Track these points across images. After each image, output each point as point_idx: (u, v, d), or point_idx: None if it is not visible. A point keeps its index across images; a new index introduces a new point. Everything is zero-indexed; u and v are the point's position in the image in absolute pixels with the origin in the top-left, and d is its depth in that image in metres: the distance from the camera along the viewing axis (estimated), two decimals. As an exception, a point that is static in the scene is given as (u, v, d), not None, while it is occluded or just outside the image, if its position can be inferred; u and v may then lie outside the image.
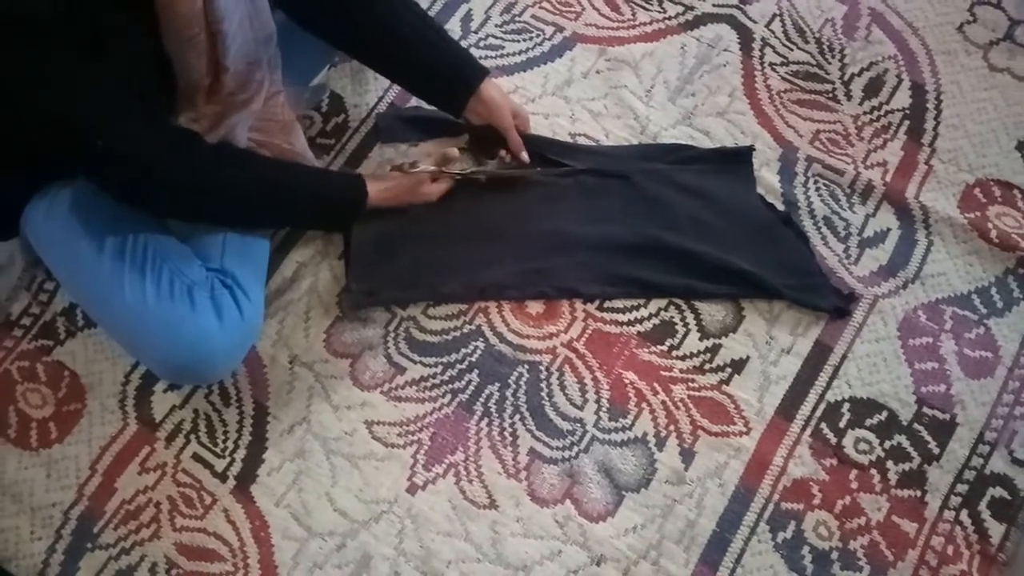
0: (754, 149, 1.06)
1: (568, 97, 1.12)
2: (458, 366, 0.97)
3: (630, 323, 0.99)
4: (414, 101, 1.11)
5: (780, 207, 1.05)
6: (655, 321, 0.99)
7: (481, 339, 0.98)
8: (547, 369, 0.97)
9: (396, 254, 1.00)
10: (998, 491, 0.90)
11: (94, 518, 0.92)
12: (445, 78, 0.97)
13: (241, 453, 0.94)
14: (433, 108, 1.06)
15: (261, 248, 0.97)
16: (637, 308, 1.00)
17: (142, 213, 0.88)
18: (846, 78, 1.12)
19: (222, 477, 0.94)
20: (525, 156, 1.02)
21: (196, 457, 0.95)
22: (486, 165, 1.04)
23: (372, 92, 1.13)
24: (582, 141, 1.09)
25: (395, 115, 1.11)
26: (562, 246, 1.01)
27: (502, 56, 1.14)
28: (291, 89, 0.99)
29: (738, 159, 1.07)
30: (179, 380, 0.94)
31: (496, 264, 1.00)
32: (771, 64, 1.14)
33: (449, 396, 0.96)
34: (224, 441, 0.95)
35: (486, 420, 0.95)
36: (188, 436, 0.96)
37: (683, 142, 1.09)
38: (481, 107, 0.98)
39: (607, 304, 1.00)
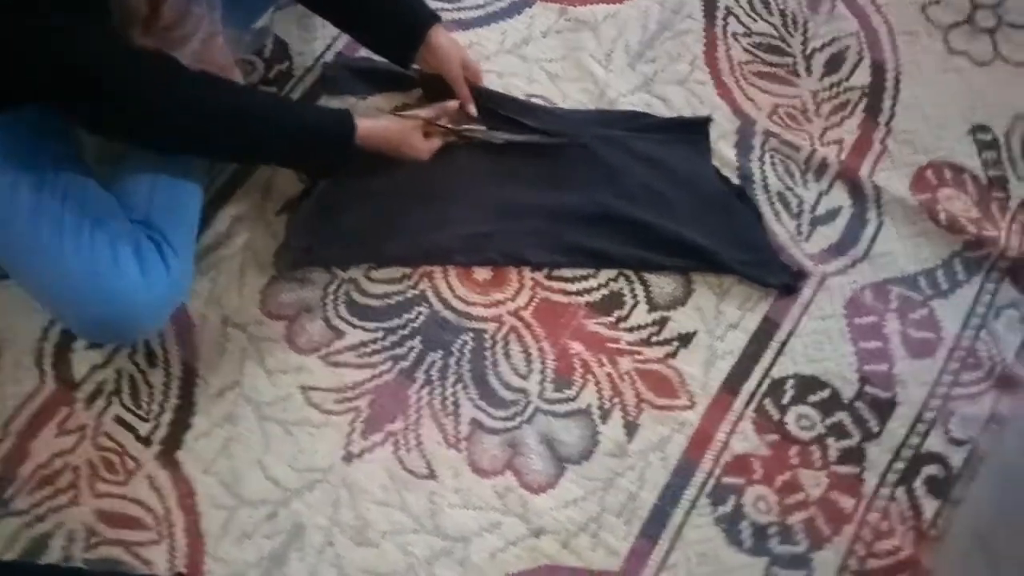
0: (711, 120, 1.06)
1: (525, 56, 1.09)
2: (400, 332, 0.95)
3: (578, 293, 0.98)
4: (364, 52, 1.06)
5: (735, 181, 1.05)
6: (604, 292, 0.98)
7: (425, 304, 0.96)
8: (492, 337, 0.96)
9: (339, 212, 0.97)
10: (933, 469, 0.92)
11: (5, 482, 0.88)
12: (393, 25, 0.95)
13: (167, 417, 0.91)
14: (384, 60, 1.02)
15: (192, 199, 0.92)
16: (586, 278, 0.99)
17: (65, 160, 0.83)
18: (808, 52, 1.12)
19: (146, 441, 0.90)
20: (472, 109, 1.00)
21: (119, 420, 0.91)
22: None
23: (319, 40, 1.09)
24: (538, 103, 1.07)
25: (343, 65, 1.07)
26: (512, 212, 1.00)
27: (460, 9, 1.11)
28: (231, 31, 0.94)
29: (695, 130, 1.07)
30: (98, 338, 0.89)
31: (443, 227, 0.98)
32: (734, 34, 1.13)
33: (390, 363, 0.94)
34: (149, 404, 0.92)
35: (427, 388, 0.93)
36: (110, 397, 0.92)
37: (641, 109, 1.07)
38: (430, 55, 0.95)
39: (556, 273, 0.99)
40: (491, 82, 1.06)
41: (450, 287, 0.98)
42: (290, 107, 0.96)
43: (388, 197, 0.99)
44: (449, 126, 0.99)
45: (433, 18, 0.95)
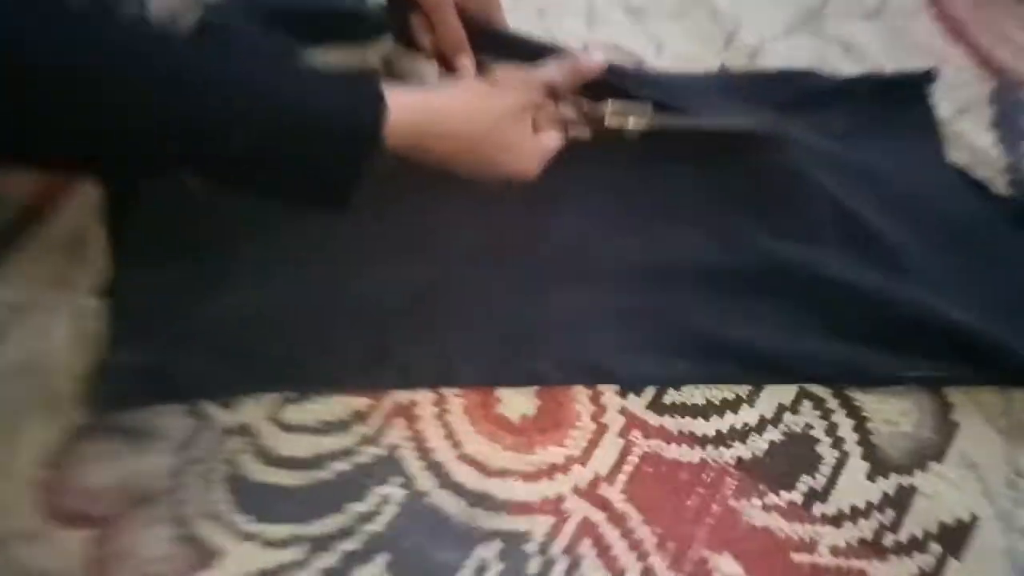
0: (934, 77, 0.55)
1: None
2: (344, 546, 0.43)
3: (721, 439, 0.47)
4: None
5: (1002, 189, 0.52)
6: (774, 435, 0.47)
7: (398, 480, 0.45)
8: (544, 550, 0.44)
9: (215, 287, 0.46)
10: None
11: None
12: None
13: None
14: None
15: None
16: (735, 405, 0.48)
17: None
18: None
19: None
20: (467, 65, 0.49)
21: None
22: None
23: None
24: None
25: (237, 7, 0.56)
26: (578, 276, 0.48)
27: None
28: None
29: (906, 98, 0.56)
30: None
31: (430, 311, 0.46)
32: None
33: (321, 621, 0.42)
34: None
35: None
36: None
37: (803, 67, 0.55)
38: None
39: (671, 397, 0.47)
40: (525, 20, 0.55)
41: (451, 436, 0.46)
42: (263, 70, 0.41)
43: (309, 253, 0.47)
44: (584, 108, 0.50)
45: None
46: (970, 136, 0.56)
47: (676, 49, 0.57)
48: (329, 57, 0.57)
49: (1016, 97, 0.57)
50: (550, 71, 0.48)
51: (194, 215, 0.48)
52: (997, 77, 0.58)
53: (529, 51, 0.49)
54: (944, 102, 0.57)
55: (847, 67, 0.59)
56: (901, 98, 0.56)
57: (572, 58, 0.49)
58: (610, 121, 0.50)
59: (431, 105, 0.44)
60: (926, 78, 0.57)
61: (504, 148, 0.46)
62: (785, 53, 0.58)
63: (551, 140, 0.49)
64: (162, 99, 0.37)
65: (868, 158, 0.54)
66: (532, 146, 0.48)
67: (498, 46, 0.47)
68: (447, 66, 0.50)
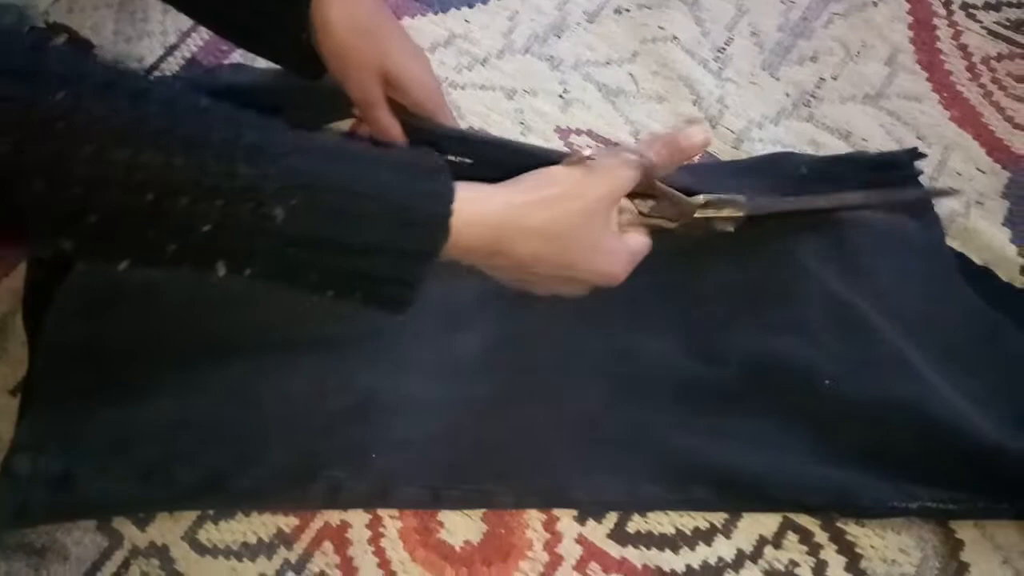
0: (921, 155, 0.53)
1: (556, 58, 0.56)
2: None
3: (692, 575, 0.41)
4: (239, 55, 0.54)
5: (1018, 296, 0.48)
6: (754, 574, 0.42)
7: (323, 613, 0.40)
8: None
9: (133, 394, 0.44)
10: None
11: None
12: None
13: None
14: (276, 67, 0.50)
15: None
16: (708, 536, 0.43)
17: None
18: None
19: None
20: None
21: None
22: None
23: (155, 36, 0.57)
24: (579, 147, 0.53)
25: (199, 83, 0.55)
26: (532, 385, 0.45)
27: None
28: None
29: (894, 177, 0.53)
30: None
31: (366, 424, 0.43)
32: (965, 4, 0.58)
33: None
34: None
35: None
36: None
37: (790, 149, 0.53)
38: (328, 44, 0.42)
39: (635, 524, 0.43)
40: (494, 104, 0.53)
41: (385, 565, 0.42)
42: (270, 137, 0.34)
43: (252, 352, 0.44)
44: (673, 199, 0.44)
45: None
46: (983, 233, 0.52)
47: (656, 135, 0.54)
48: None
49: (1033, 189, 0.53)
50: (648, 150, 0.41)
51: (116, 315, 0.45)
52: (1009, 166, 0.54)
53: (477, 149, 0.47)
54: (955, 189, 0.53)
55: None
56: (890, 180, 0.53)
57: (670, 135, 0.42)
58: (702, 212, 0.45)
59: (512, 200, 0.37)
60: (911, 156, 0.53)
61: (594, 248, 0.39)
62: (773, 139, 0.55)
63: (637, 242, 0.41)
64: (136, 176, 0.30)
65: (864, 248, 0.50)
66: (620, 245, 0.40)
67: (443, 145, 0.44)
68: None
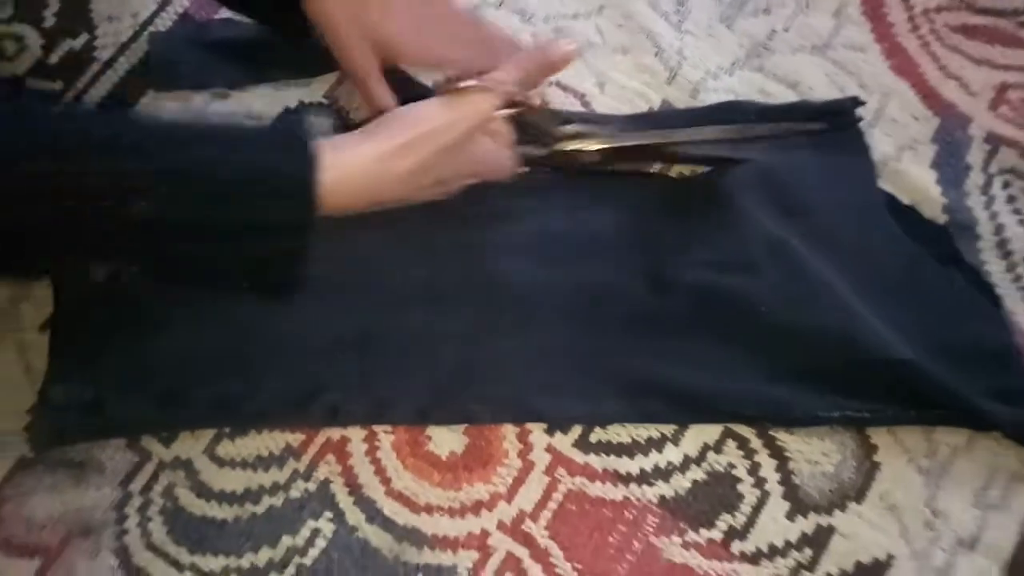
0: (860, 103, 0.59)
1: (526, 11, 0.61)
2: (273, 577, 0.47)
3: (644, 477, 0.51)
4: (225, 12, 0.58)
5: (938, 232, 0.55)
6: (696, 474, 0.51)
7: (328, 514, 0.49)
8: (467, 586, 0.47)
9: (151, 327, 0.50)
10: None
11: None
12: None
13: None
14: (255, 24, 0.55)
15: None
16: (659, 444, 0.51)
17: None
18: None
19: None
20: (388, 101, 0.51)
21: None
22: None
23: (145, -7, 0.61)
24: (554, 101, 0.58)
25: (186, 37, 0.60)
26: (506, 317, 0.51)
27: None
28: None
29: (836, 122, 0.59)
30: None
31: (362, 353, 0.50)
32: (911, -43, 0.63)
33: (248, 649, 0.45)
34: None
35: None
36: None
37: (746, 99, 0.58)
38: (315, 9, 0.46)
39: (597, 435, 0.51)
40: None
41: (381, 472, 0.50)
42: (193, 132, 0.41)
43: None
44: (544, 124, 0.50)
45: None
46: (911, 175, 0.58)
47: (619, 85, 0.60)
48: (257, 95, 0.59)
49: (960, 136, 0.59)
50: (511, 73, 0.45)
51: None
52: (939, 114, 0.60)
53: None
54: (887, 139, 0.59)
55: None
56: (831, 124, 0.58)
57: (532, 52, 0.46)
58: (570, 143, 0.50)
59: (380, 149, 0.42)
60: (852, 104, 0.59)
61: (466, 163, 0.46)
62: (727, 88, 0.60)
63: (506, 152, 0.48)
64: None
65: (799, 189, 0.56)
66: (498, 151, 0.47)
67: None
68: None
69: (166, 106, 0.59)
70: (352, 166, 0.41)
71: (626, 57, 0.61)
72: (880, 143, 0.59)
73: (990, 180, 0.58)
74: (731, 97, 0.60)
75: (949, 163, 0.59)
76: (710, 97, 0.60)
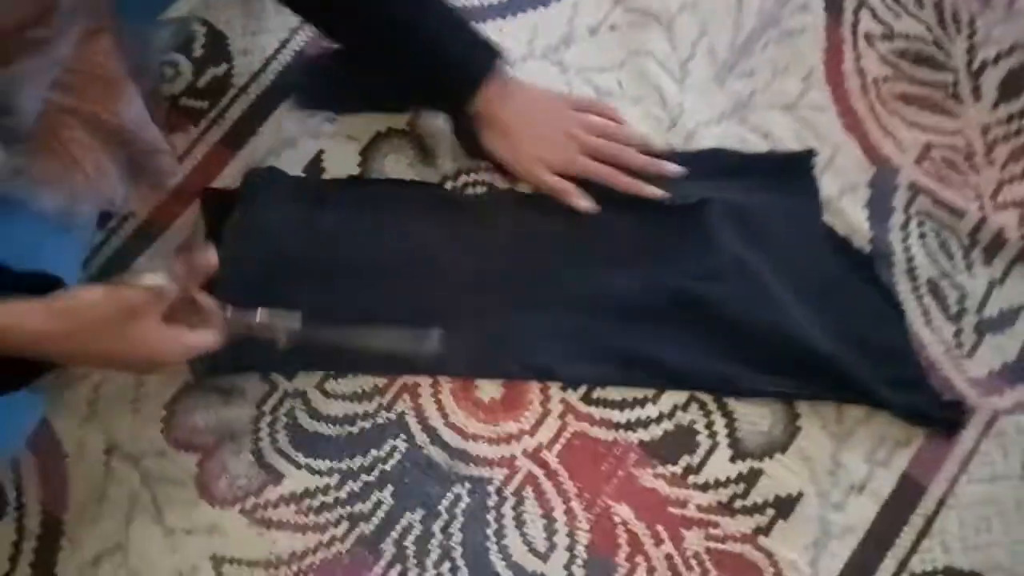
0: (815, 154, 0.76)
1: (564, 63, 0.80)
2: (364, 477, 0.68)
3: (629, 426, 0.70)
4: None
5: (864, 258, 0.74)
6: (667, 426, 0.70)
7: (403, 436, 0.69)
8: (499, 492, 0.68)
9: (282, 291, 0.69)
10: None
11: None
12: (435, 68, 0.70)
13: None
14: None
15: (67, 253, 0.65)
16: (642, 403, 0.70)
17: None
18: (975, 67, 0.81)
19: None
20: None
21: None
22: None
23: (273, 32, 0.79)
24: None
25: (309, 69, 0.79)
26: (537, 301, 0.72)
27: (472, -8, 0.82)
28: (132, 25, 0.65)
29: (795, 171, 0.77)
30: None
31: (431, 321, 0.69)
32: (868, 35, 0.82)
33: (345, 524, 0.67)
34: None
35: (398, 568, 0.65)
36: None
37: (730, 146, 0.77)
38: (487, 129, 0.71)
39: (598, 393, 0.71)
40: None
41: (441, 409, 0.70)
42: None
43: (357, 269, 0.70)
44: (229, 314, 0.59)
45: (489, 57, 0.70)
46: (848, 212, 0.77)
47: (632, 126, 0.79)
48: (363, 120, 0.78)
49: (889, 183, 0.78)
50: (157, 278, 0.52)
51: (274, 243, 0.71)
52: (875, 164, 0.79)
53: None
54: (834, 182, 0.78)
55: (766, 150, 0.80)
56: (790, 171, 0.77)
57: (186, 257, 0.55)
58: (259, 331, 0.57)
59: (46, 328, 0.48)
60: (808, 155, 0.78)
61: (126, 353, 0.52)
62: (715, 137, 0.79)
63: (196, 337, 0.55)
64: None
65: (760, 219, 0.75)
66: (159, 343, 0.52)
67: None
68: None
69: (286, 126, 0.78)
70: (24, 325, 0.49)
71: (637, 106, 0.79)
72: (827, 186, 0.77)
73: (908, 220, 0.77)
74: (717, 144, 0.78)
75: (879, 205, 0.77)
76: (701, 143, 0.78)
